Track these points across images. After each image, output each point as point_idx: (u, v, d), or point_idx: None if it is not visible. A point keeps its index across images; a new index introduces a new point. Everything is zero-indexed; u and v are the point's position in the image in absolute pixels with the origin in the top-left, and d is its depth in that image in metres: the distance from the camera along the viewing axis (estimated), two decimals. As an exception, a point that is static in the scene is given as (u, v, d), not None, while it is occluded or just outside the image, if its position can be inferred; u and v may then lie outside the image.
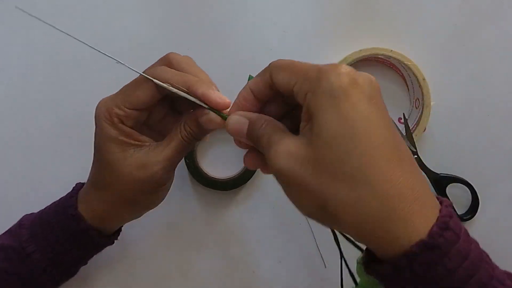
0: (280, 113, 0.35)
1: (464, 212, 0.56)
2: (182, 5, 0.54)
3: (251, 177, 0.53)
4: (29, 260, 0.41)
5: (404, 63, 0.51)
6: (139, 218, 0.53)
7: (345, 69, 0.29)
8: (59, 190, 0.47)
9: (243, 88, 0.35)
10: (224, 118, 0.36)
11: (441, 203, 0.30)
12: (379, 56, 0.52)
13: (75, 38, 0.36)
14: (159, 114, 0.42)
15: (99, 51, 0.36)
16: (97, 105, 0.40)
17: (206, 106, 0.36)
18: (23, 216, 0.44)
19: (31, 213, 0.45)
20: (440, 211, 0.28)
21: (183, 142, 0.38)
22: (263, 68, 0.35)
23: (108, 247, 0.51)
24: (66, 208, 0.42)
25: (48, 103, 0.53)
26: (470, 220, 0.55)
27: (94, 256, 0.48)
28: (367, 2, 0.55)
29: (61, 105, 0.53)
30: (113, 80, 0.53)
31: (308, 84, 0.30)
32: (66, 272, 0.44)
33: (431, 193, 0.30)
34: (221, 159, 0.54)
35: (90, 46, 0.36)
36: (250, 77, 0.54)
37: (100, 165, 0.40)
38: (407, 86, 0.55)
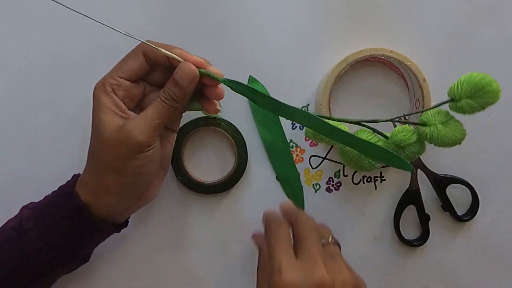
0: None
1: (464, 212, 0.56)
2: (182, 4, 0.54)
3: (240, 178, 0.53)
4: (26, 237, 0.41)
5: (404, 64, 0.51)
6: (139, 221, 0.53)
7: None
8: (59, 190, 0.47)
9: None
10: (217, 79, 0.43)
11: None
12: (379, 56, 0.52)
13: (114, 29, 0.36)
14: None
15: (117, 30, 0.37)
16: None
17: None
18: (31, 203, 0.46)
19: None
20: None
21: (161, 103, 0.41)
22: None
23: (106, 250, 0.51)
24: (64, 188, 0.44)
25: (47, 103, 0.53)
26: (470, 221, 0.55)
27: (92, 256, 0.48)
28: (367, 2, 0.55)
29: (61, 105, 0.53)
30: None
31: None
32: (64, 256, 0.43)
33: None
34: (208, 163, 0.54)
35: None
36: (250, 77, 0.55)
37: (91, 135, 0.42)
38: (407, 87, 0.55)
